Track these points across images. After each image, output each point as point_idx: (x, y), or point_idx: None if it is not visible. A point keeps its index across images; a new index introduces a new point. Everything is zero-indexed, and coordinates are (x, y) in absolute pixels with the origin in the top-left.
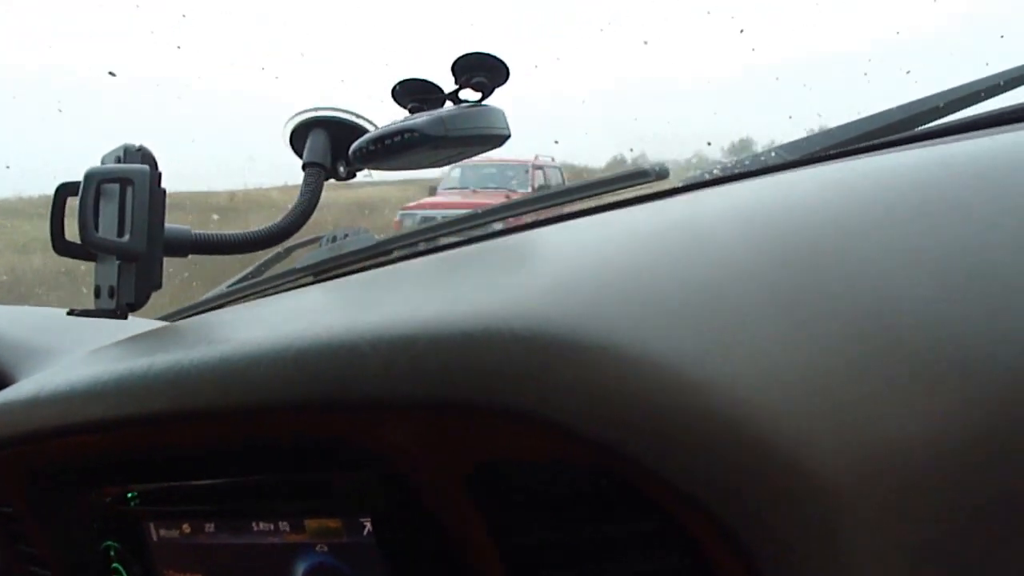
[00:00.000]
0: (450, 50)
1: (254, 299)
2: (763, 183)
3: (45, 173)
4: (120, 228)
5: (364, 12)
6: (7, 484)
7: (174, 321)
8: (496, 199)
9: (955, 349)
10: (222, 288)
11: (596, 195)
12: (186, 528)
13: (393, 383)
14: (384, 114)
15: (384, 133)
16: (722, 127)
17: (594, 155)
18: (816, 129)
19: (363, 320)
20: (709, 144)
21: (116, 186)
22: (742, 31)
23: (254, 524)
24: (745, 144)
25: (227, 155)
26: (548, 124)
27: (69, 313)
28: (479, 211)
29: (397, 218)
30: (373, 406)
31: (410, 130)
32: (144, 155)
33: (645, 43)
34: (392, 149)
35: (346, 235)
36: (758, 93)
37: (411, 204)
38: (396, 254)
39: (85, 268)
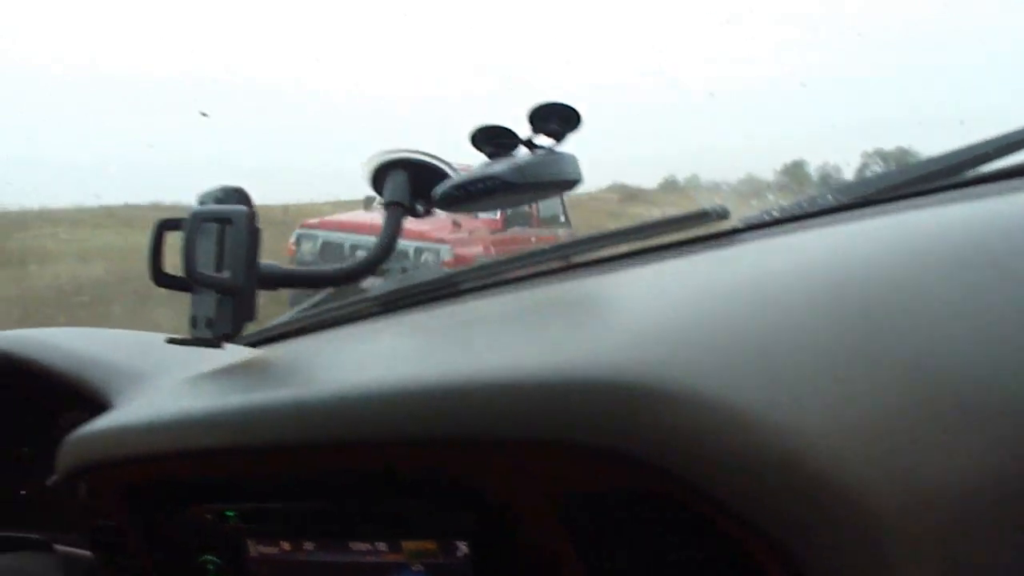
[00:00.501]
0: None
1: (332, 328)
2: (820, 234)
3: (100, 184)
4: (219, 263)
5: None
6: (110, 500)
7: (256, 345)
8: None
9: (997, 396)
10: (296, 312)
11: (659, 235)
12: (285, 546)
13: (500, 425)
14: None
15: (467, 180)
16: (771, 143)
17: (645, 175)
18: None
19: (468, 366)
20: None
21: (214, 223)
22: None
23: (352, 544)
24: (797, 165)
25: (280, 168)
26: (594, 141)
27: (168, 341)
28: (545, 247)
29: (292, 239)
30: (481, 444)
31: (491, 177)
32: (241, 196)
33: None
34: (474, 195)
35: (416, 268)
36: (806, 110)
37: (311, 222)
38: (464, 287)
39: (145, 280)
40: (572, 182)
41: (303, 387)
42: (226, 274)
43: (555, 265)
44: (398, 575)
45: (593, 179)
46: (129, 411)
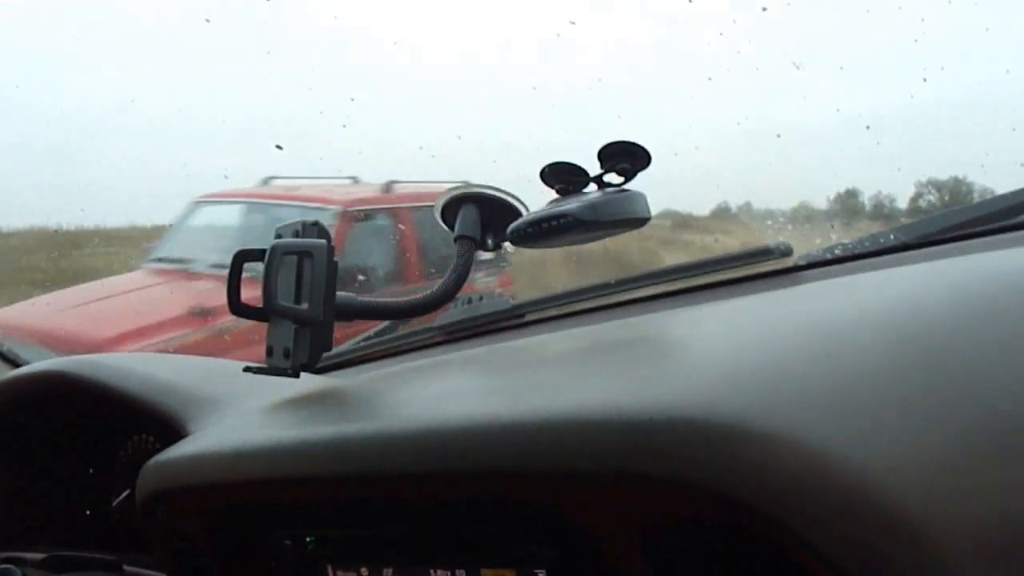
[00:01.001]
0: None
1: (401, 355)
2: (881, 275)
3: (150, 203)
4: (297, 295)
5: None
6: (191, 524)
7: (326, 371)
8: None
9: None
10: (363, 339)
11: (724, 270)
12: (364, 571)
13: (589, 459)
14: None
15: (541, 217)
16: (824, 172)
17: (697, 202)
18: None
19: (553, 401)
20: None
21: (294, 256)
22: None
23: (431, 570)
24: (851, 195)
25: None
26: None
27: (245, 370)
28: (611, 281)
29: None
30: (568, 477)
31: (564, 215)
32: (320, 230)
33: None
34: (547, 232)
35: (481, 298)
36: (860, 138)
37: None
38: (529, 318)
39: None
40: (642, 219)
41: (387, 419)
42: (305, 306)
43: (619, 299)
44: None
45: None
46: (209, 438)
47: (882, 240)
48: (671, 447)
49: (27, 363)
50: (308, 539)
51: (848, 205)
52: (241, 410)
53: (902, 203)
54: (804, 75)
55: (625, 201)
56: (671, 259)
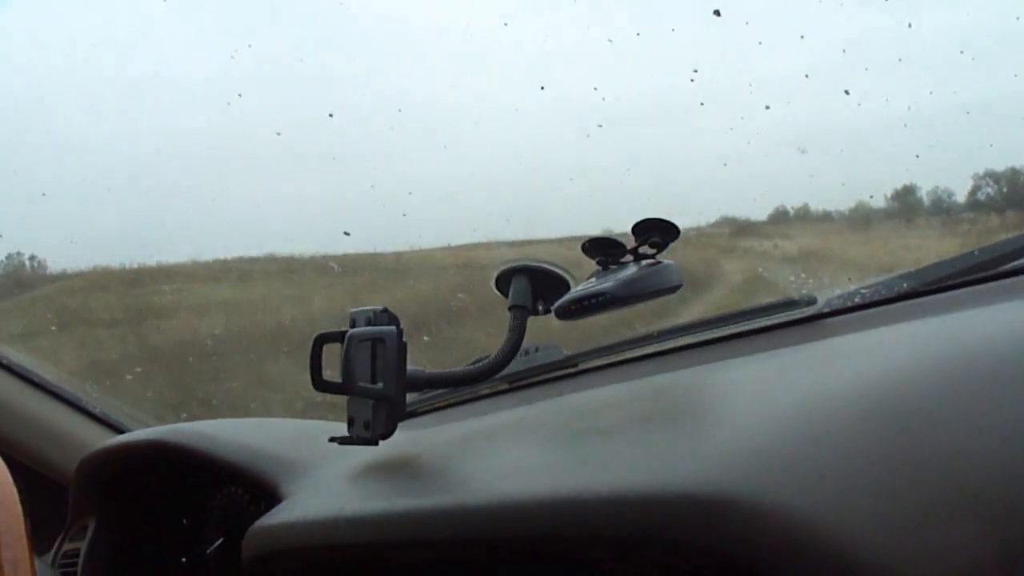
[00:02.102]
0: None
1: (465, 404)
2: (890, 333)
3: (215, 239)
4: (373, 375)
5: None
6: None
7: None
8: None
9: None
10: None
11: (754, 321)
12: None
13: (642, 530)
14: None
15: (582, 296)
16: (880, 168)
17: (754, 207)
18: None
19: (602, 479)
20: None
21: (368, 342)
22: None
23: None
24: (908, 191)
25: (385, 215)
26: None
27: (331, 440)
28: (653, 332)
29: None
30: (624, 544)
31: (602, 294)
32: (390, 316)
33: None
34: (589, 308)
35: (537, 349)
36: (915, 132)
37: None
38: (581, 367)
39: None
40: (674, 287)
41: (460, 492)
42: (380, 385)
43: (661, 348)
44: None
45: (703, 214)
46: (306, 505)
47: (896, 288)
48: (684, 518)
49: (126, 429)
50: None
51: (906, 202)
52: (330, 476)
53: (960, 197)
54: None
55: (657, 275)
56: (731, 267)
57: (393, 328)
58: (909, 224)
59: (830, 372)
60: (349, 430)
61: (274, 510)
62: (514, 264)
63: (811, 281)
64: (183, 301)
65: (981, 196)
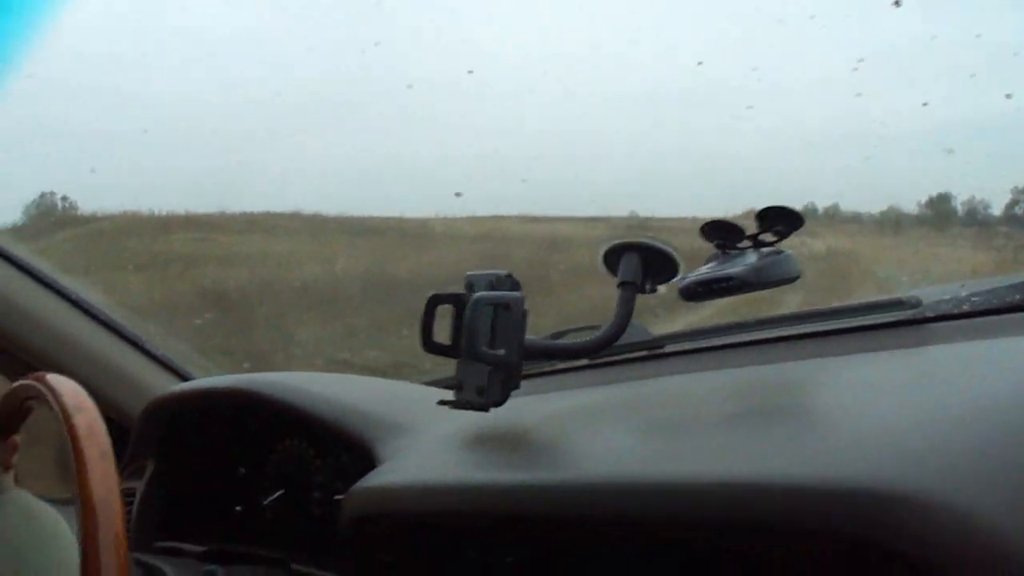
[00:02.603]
0: None
1: (555, 375)
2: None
3: (241, 191)
4: (492, 341)
5: None
6: (392, 544)
7: None
8: None
9: None
10: None
11: (855, 317)
12: None
13: (794, 519)
14: None
15: (711, 279)
16: (914, 173)
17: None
18: None
19: (737, 466)
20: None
21: (491, 307)
22: None
23: None
24: (943, 199)
25: (410, 181)
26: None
27: (440, 403)
28: (747, 320)
29: None
30: (780, 531)
31: (731, 278)
32: (513, 282)
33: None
34: (715, 291)
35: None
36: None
37: None
38: (668, 349)
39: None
40: (795, 278)
41: (566, 470)
42: (502, 351)
43: (750, 338)
44: None
45: (730, 206)
46: (408, 469)
47: (1007, 298)
48: (842, 510)
49: (192, 376)
50: (508, 559)
51: (939, 209)
52: (432, 440)
53: (996, 209)
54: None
55: (782, 264)
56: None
57: (520, 294)
58: (941, 232)
59: (952, 377)
60: (457, 394)
61: (377, 471)
62: (626, 241)
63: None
64: (209, 251)
65: (1019, 211)
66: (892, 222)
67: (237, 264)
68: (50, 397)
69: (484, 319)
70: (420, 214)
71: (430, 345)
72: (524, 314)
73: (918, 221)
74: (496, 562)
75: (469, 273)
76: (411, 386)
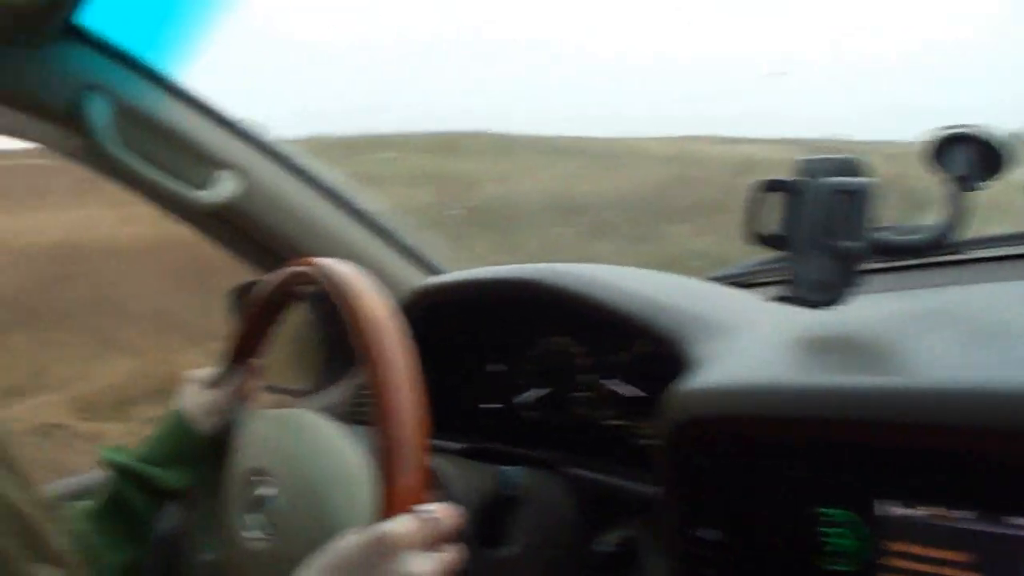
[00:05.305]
0: None
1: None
2: None
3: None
4: (830, 232)
5: None
6: (713, 447)
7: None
8: None
9: None
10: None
11: None
12: (923, 510)
13: None
14: None
15: None
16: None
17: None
18: None
19: None
20: None
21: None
22: None
23: (1003, 516)
24: None
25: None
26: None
27: (775, 299)
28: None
29: None
30: None
31: None
32: (855, 167)
33: None
34: None
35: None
36: None
37: None
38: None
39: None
40: None
41: (913, 374)
42: (850, 243)
43: None
44: None
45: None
46: (740, 370)
47: None
48: None
49: (443, 271)
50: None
51: None
52: (756, 341)
53: None
54: None
55: None
56: None
57: (868, 180)
58: None
59: None
60: (792, 289)
61: (702, 371)
62: (959, 131)
63: None
64: (395, 171)
65: None
66: None
67: (421, 183)
68: (326, 281)
69: (828, 207)
70: (609, 134)
71: (757, 236)
72: (873, 204)
73: None
74: (824, 478)
75: (806, 158)
76: (705, 283)
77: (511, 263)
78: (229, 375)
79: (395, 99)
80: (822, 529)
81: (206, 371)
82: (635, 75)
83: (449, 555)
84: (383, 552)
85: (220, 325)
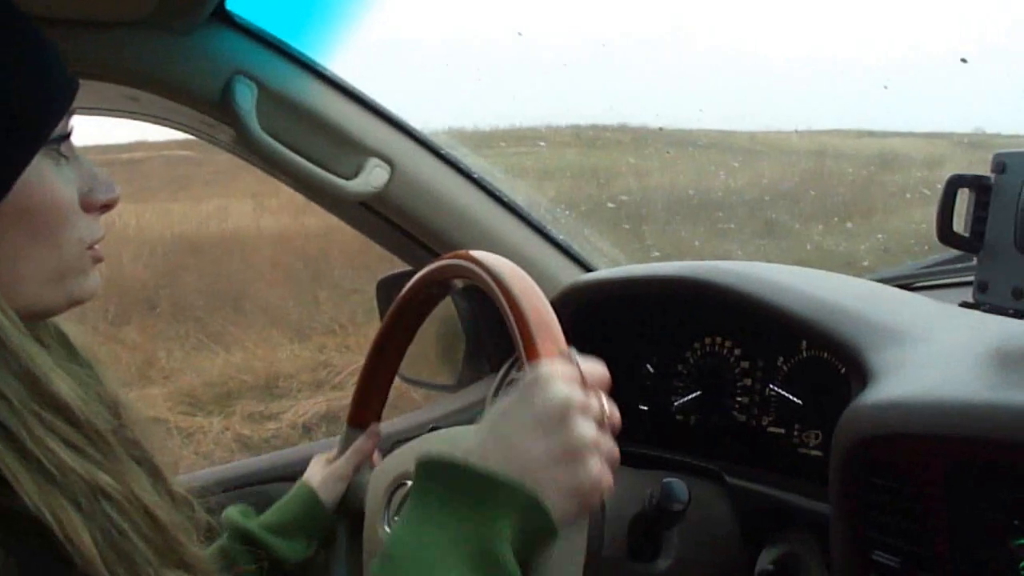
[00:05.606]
0: None
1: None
2: None
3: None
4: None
5: None
6: (923, 470)
7: None
8: None
9: None
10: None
11: None
12: None
13: None
14: None
15: None
16: None
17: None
18: None
19: None
20: None
21: None
22: None
23: None
24: None
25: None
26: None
27: (963, 304)
28: None
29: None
30: None
31: None
32: None
33: None
34: None
35: None
36: None
37: None
38: None
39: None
40: None
41: None
42: None
43: None
44: None
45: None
46: (931, 384)
47: None
48: None
49: (595, 268)
50: None
51: None
52: (943, 351)
53: None
54: None
55: None
56: None
57: None
58: None
59: None
60: (979, 296)
61: (881, 385)
62: None
63: None
64: (532, 164)
65: None
66: None
67: (553, 177)
68: (485, 275)
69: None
70: (750, 127)
71: (948, 235)
72: None
73: None
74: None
75: (1001, 152)
76: (878, 286)
77: (640, 260)
78: (349, 440)
79: (540, 92)
80: (1021, 566)
81: (331, 449)
82: (784, 69)
83: (607, 407)
84: (543, 395)
85: (328, 322)
